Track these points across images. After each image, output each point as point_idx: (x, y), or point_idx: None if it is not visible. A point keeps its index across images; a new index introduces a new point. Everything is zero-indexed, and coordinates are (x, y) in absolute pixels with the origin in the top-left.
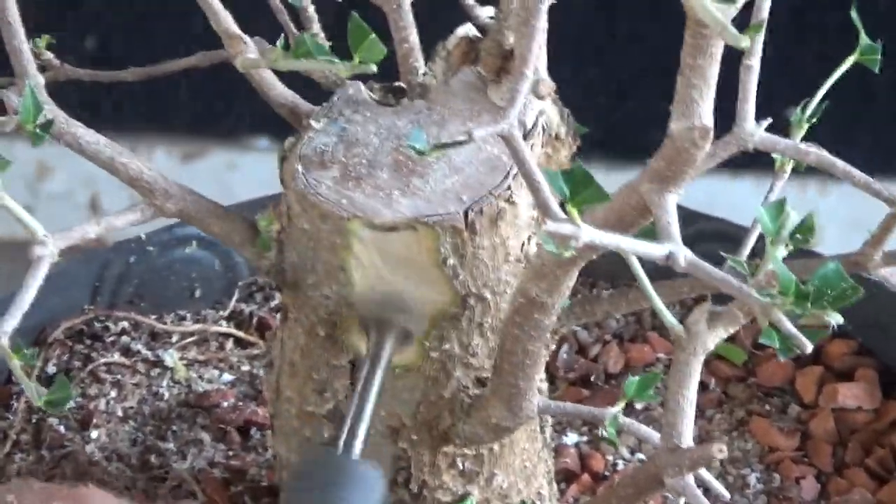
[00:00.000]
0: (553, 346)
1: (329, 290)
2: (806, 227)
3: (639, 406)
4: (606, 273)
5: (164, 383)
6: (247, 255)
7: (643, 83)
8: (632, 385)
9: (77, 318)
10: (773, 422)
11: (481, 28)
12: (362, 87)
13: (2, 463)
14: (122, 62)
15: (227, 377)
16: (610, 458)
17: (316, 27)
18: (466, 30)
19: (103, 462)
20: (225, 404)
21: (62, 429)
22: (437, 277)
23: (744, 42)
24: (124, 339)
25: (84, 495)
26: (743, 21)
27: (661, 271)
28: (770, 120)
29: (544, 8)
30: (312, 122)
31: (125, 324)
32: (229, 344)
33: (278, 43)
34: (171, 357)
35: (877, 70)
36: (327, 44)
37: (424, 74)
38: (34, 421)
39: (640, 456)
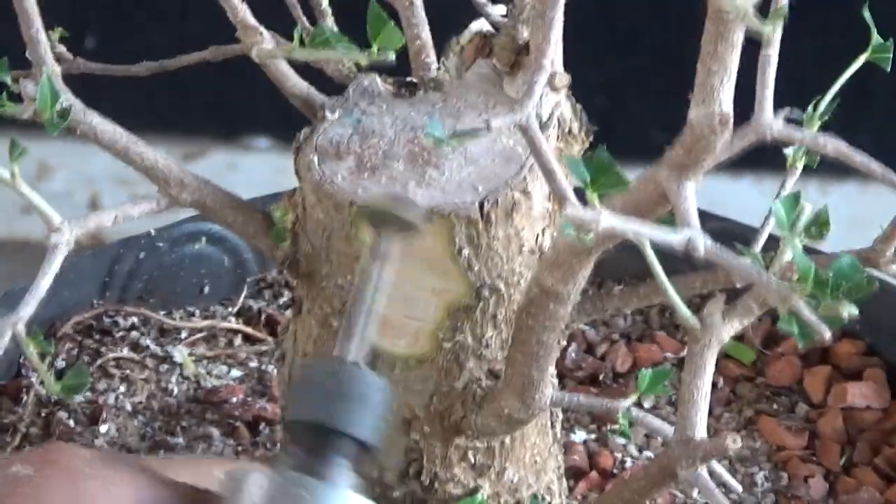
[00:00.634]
0: (564, 343)
1: (343, 280)
2: (821, 221)
3: (647, 404)
4: (614, 272)
5: (173, 379)
6: (261, 246)
7: (643, 83)
8: (645, 378)
9: (87, 313)
10: (781, 421)
11: (494, 25)
12: (378, 78)
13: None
14: (121, 62)
15: (236, 373)
16: (618, 455)
17: (330, 21)
18: (480, 25)
19: None
20: (234, 400)
21: (71, 423)
22: (452, 268)
23: (766, 28)
24: (133, 334)
25: (50, 449)
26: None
27: (671, 268)
28: (789, 110)
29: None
30: (327, 113)
31: (135, 319)
32: (238, 340)
33: (295, 33)
34: (180, 353)
35: (888, 68)
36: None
37: (437, 70)
38: (44, 415)
39: (649, 454)
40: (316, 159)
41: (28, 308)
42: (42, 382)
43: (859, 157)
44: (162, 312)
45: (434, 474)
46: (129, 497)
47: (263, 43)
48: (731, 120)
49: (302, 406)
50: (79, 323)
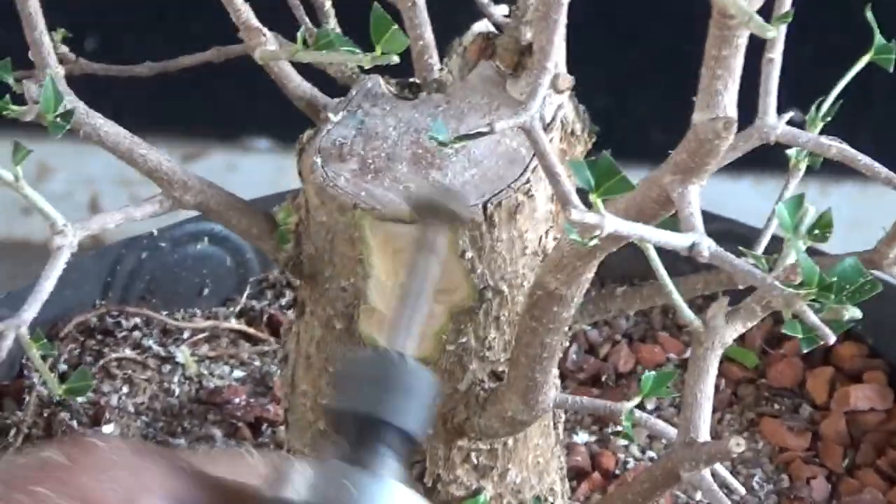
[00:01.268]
0: (566, 344)
1: (346, 282)
2: (823, 223)
3: (650, 406)
4: (617, 275)
5: (176, 379)
6: (265, 248)
7: (645, 84)
8: (648, 380)
9: (89, 314)
10: (784, 422)
11: (497, 25)
12: (381, 80)
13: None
14: (123, 64)
15: (238, 374)
16: (621, 456)
17: (333, 22)
18: (483, 26)
19: None
20: (236, 400)
21: (74, 423)
22: (455, 270)
23: (770, 32)
24: (136, 334)
25: (81, 438)
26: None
27: (673, 269)
28: (793, 113)
29: (565, 1)
30: (331, 115)
31: (137, 320)
32: (240, 341)
33: (299, 35)
34: (182, 353)
35: (891, 69)
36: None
37: (440, 71)
38: (46, 415)
39: (651, 454)
40: (319, 161)
41: (31, 311)
42: (44, 383)
43: (863, 160)
44: (164, 313)
45: (437, 476)
46: (160, 486)
47: (266, 44)
48: (736, 124)
49: (348, 396)
50: (81, 323)
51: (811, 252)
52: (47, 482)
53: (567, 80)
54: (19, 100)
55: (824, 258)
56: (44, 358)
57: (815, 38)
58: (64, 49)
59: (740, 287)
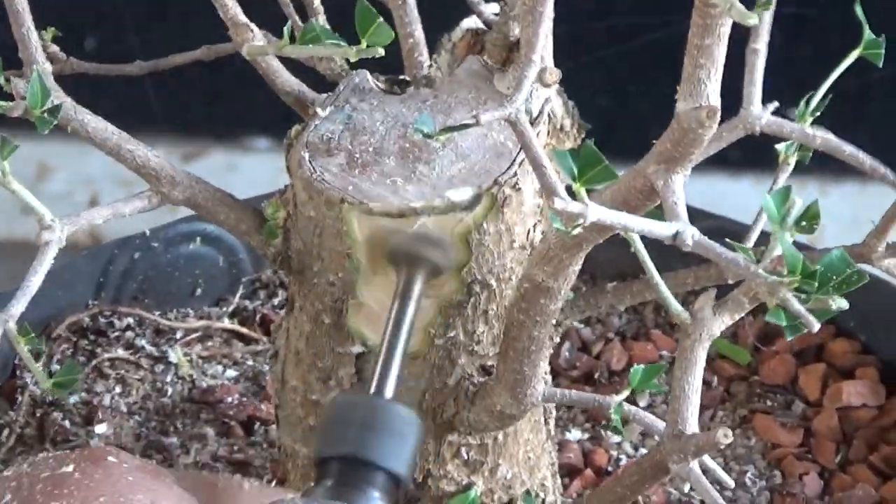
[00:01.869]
0: (557, 340)
1: (334, 276)
2: (811, 214)
3: (642, 403)
4: (609, 273)
5: (168, 379)
6: (254, 243)
7: (642, 83)
8: (637, 374)
9: (82, 314)
10: (777, 418)
11: (486, 22)
12: (369, 75)
13: (6, 457)
14: (122, 63)
15: (231, 373)
16: (613, 453)
17: (322, 19)
18: (472, 22)
19: None
20: (229, 399)
21: (67, 423)
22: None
23: (752, 19)
24: (129, 334)
25: (94, 451)
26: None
27: (664, 265)
28: (777, 104)
29: None
30: (318, 110)
31: (130, 320)
32: (233, 340)
33: (285, 30)
34: (175, 353)
35: (880, 64)
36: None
37: (430, 67)
38: (38, 415)
39: (644, 451)
40: (307, 156)
41: (19, 305)
42: (37, 383)
43: (848, 149)
44: (157, 313)
45: (427, 471)
46: None
47: (254, 40)
48: (719, 113)
49: (337, 440)
50: (74, 323)
51: (805, 249)
52: (61, 499)
53: (554, 74)
54: (11, 99)
55: (816, 252)
56: (35, 355)
57: (813, 37)
58: (55, 48)
59: (730, 282)
